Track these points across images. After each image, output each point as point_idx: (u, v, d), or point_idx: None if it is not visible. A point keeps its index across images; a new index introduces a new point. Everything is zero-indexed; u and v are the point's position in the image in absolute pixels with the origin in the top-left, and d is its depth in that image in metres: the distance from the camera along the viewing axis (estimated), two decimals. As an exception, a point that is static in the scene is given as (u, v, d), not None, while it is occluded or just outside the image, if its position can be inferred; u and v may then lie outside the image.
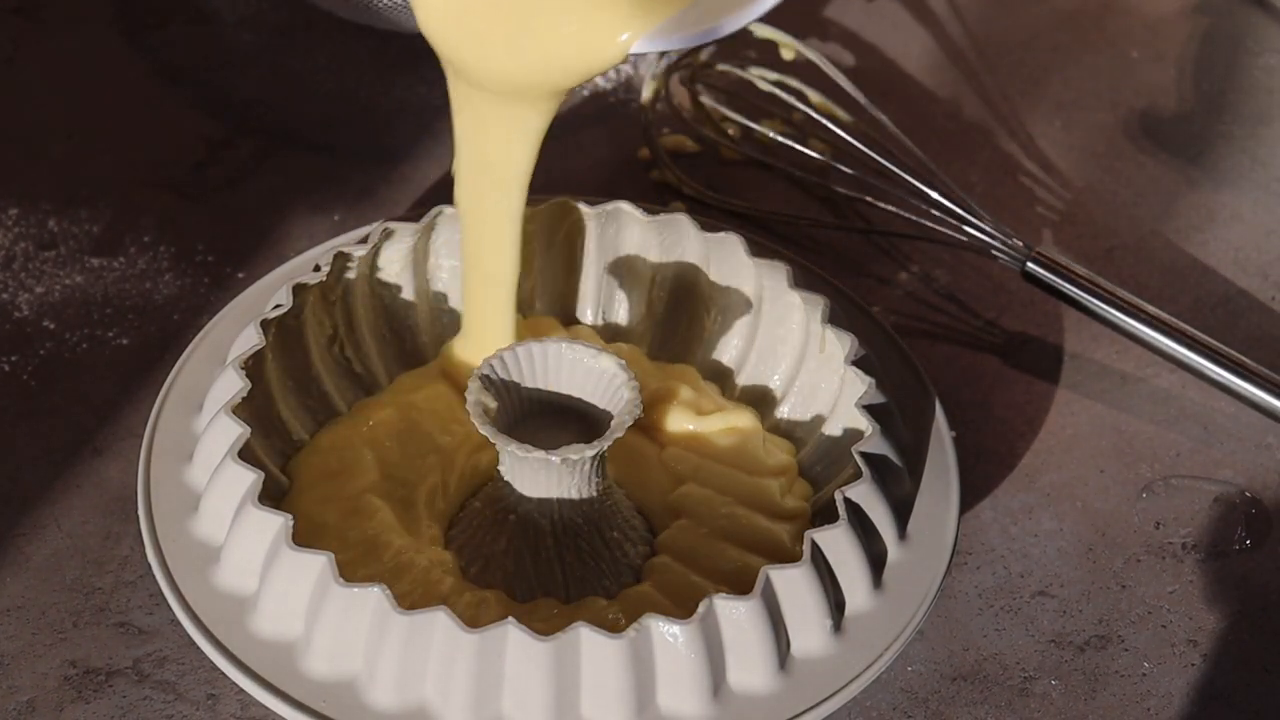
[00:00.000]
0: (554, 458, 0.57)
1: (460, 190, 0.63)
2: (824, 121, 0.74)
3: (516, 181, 0.62)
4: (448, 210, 0.67)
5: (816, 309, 0.65)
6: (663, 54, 0.81)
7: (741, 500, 0.62)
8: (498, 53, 0.59)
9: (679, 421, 0.65)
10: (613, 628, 0.55)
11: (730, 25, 0.57)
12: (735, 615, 0.56)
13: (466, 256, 0.65)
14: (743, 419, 0.65)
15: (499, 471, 0.60)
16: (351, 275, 0.66)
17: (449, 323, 0.69)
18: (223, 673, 0.57)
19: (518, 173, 0.62)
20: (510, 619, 0.54)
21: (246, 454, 0.59)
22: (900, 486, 0.61)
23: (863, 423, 0.61)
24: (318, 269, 0.65)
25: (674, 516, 0.62)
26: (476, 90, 0.61)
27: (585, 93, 0.83)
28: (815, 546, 0.57)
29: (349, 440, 0.64)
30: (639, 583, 0.61)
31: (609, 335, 0.69)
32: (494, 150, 0.62)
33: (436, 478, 0.63)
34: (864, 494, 0.59)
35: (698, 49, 0.80)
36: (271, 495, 0.60)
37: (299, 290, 0.64)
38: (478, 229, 0.64)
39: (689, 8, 0.58)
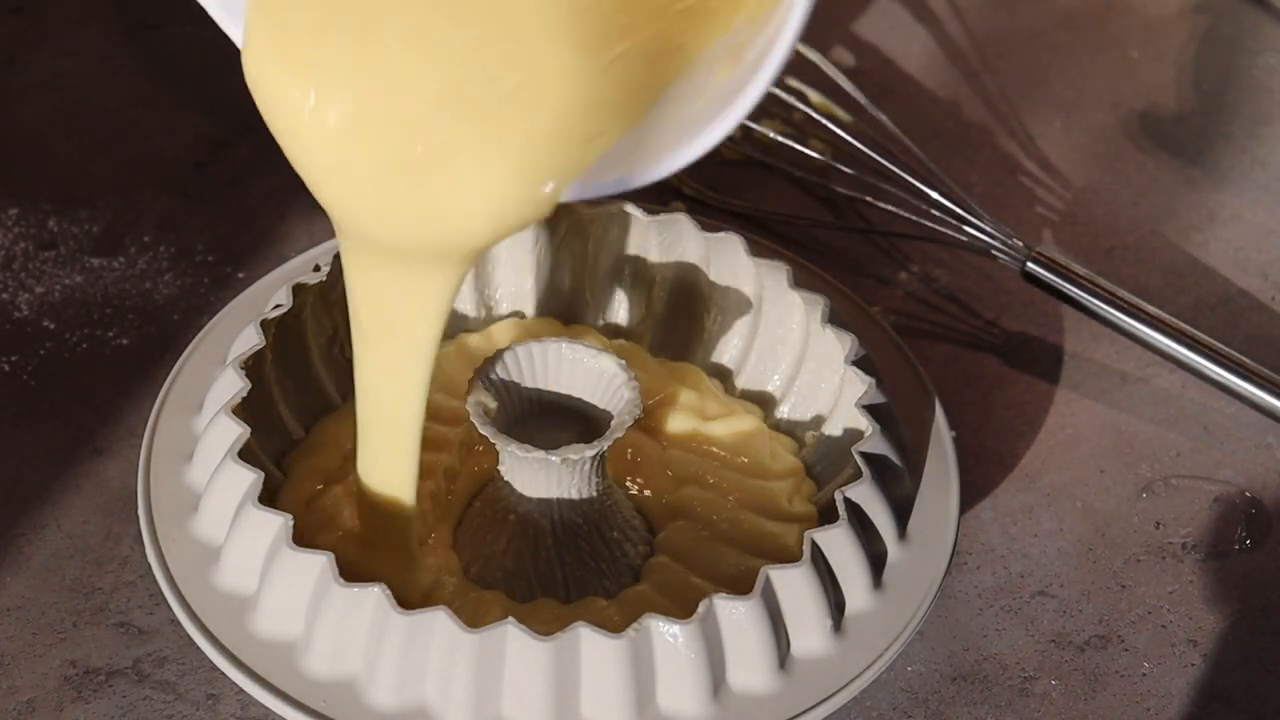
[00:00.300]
0: (554, 458, 0.57)
1: (360, 356, 0.56)
2: (824, 121, 0.75)
3: (428, 347, 0.55)
4: (448, 210, 0.67)
5: (816, 309, 0.65)
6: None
7: (744, 504, 0.62)
8: (406, 214, 0.51)
9: (682, 422, 0.65)
10: (611, 628, 0.55)
11: (659, 171, 0.51)
12: (735, 615, 0.56)
13: (363, 409, 0.58)
14: (748, 421, 0.65)
15: (499, 471, 0.60)
16: (351, 275, 0.66)
17: (449, 323, 0.68)
18: (223, 673, 0.57)
19: (430, 337, 0.55)
20: (510, 619, 0.54)
21: (246, 454, 0.59)
22: (900, 486, 0.61)
23: (863, 423, 0.61)
24: (318, 269, 0.65)
25: (674, 518, 0.62)
26: (380, 256, 0.53)
27: (585, 93, 0.83)
28: (815, 546, 0.57)
29: (346, 437, 0.64)
30: (638, 583, 0.61)
31: (609, 335, 0.69)
32: (403, 317, 0.54)
33: (439, 481, 0.63)
34: (864, 494, 0.59)
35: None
36: (269, 490, 0.60)
37: (299, 290, 0.64)
38: (379, 392, 0.57)
39: (617, 149, 0.51)
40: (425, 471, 0.62)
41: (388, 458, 0.58)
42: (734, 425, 0.65)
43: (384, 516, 0.58)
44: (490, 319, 0.69)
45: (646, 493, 0.63)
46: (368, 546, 0.59)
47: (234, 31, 0.55)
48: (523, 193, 0.50)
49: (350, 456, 0.63)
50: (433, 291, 0.54)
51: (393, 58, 0.50)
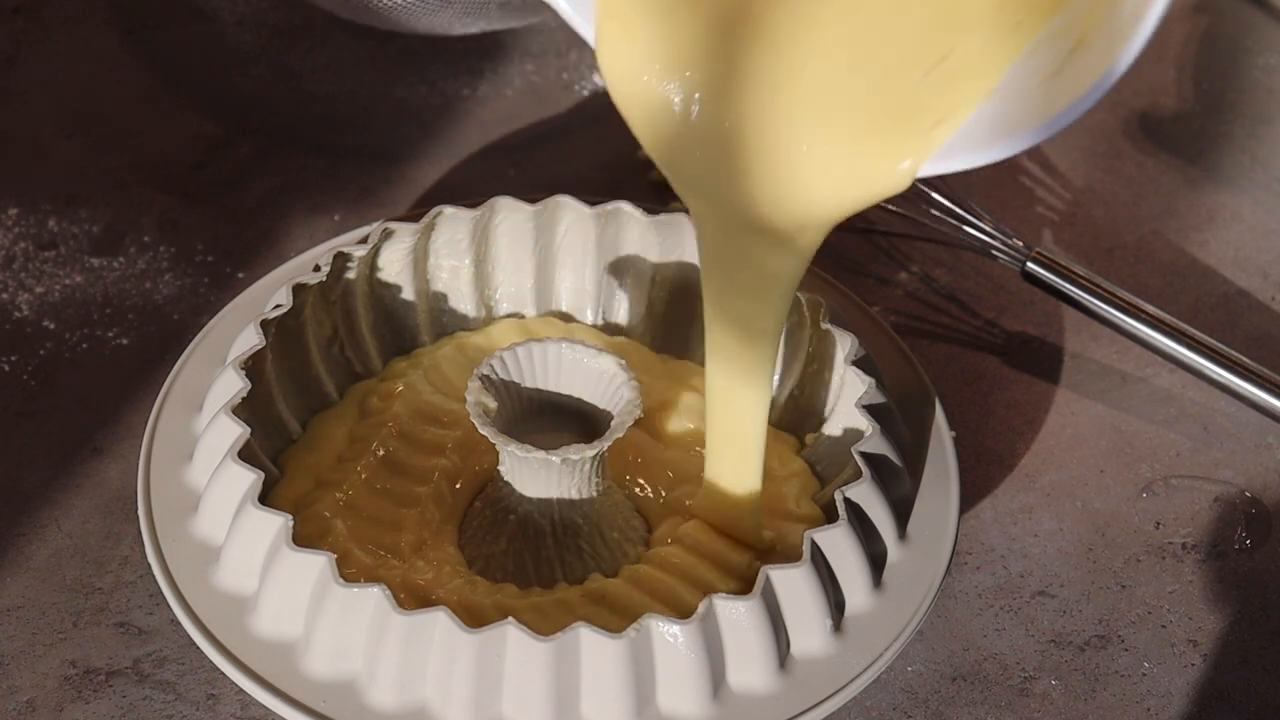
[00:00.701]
0: (554, 458, 0.57)
1: (714, 320, 0.59)
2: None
3: (785, 302, 0.58)
4: (447, 210, 0.67)
5: (817, 309, 0.65)
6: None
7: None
8: (772, 193, 0.54)
9: (683, 422, 0.65)
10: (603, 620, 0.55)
11: (1031, 138, 0.52)
12: (735, 615, 0.56)
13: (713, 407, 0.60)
14: None
15: (499, 471, 0.60)
16: (351, 275, 0.66)
17: (449, 322, 0.69)
18: (223, 673, 0.57)
19: (787, 295, 0.57)
20: (510, 619, 0.54)
21: (246, 454, 0.59)
22: (900, 486, 0.61)
23: (863, 423, 0.61)
24: (318, 269, 0.65)
25: (673, 515, 0.62)
26: (733, 230, 0.56)
27: (585, 93, 0.83)
28: (815, 546, 0.57)
29: (345, 434, 0.64)
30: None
31: (609, 334, 0.69)
32: (760, 282, 0.57)
33: (442, 480, 0.63)
34: (864, 494, 0.59)
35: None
36: (266, 488, 0.60)
37: (299, 290, 0.64)
38: (729, 383, 0.59)
39: (975, 120, 0.53)
40: (423, 476, 0.63)
41: (748, 388, 0.59)
42: None
43: (737, 454, 0.60)
44: (490, 319, 0.69)
45: (647, 493, 0.63)
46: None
47: (585, 30, 0.57)
48: (885, 169, 0.53)
49: (344, 458, 0.63)
50: (789, 260, 0.56)
51: (762, 50, 0.54)
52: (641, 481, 0.64)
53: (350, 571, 0.58)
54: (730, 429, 0.60)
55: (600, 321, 0.69)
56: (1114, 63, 0.49)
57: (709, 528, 0.61)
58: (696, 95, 0.54)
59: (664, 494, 0.63)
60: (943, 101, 0.52)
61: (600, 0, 0.56)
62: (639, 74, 0.55)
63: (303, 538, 0.58)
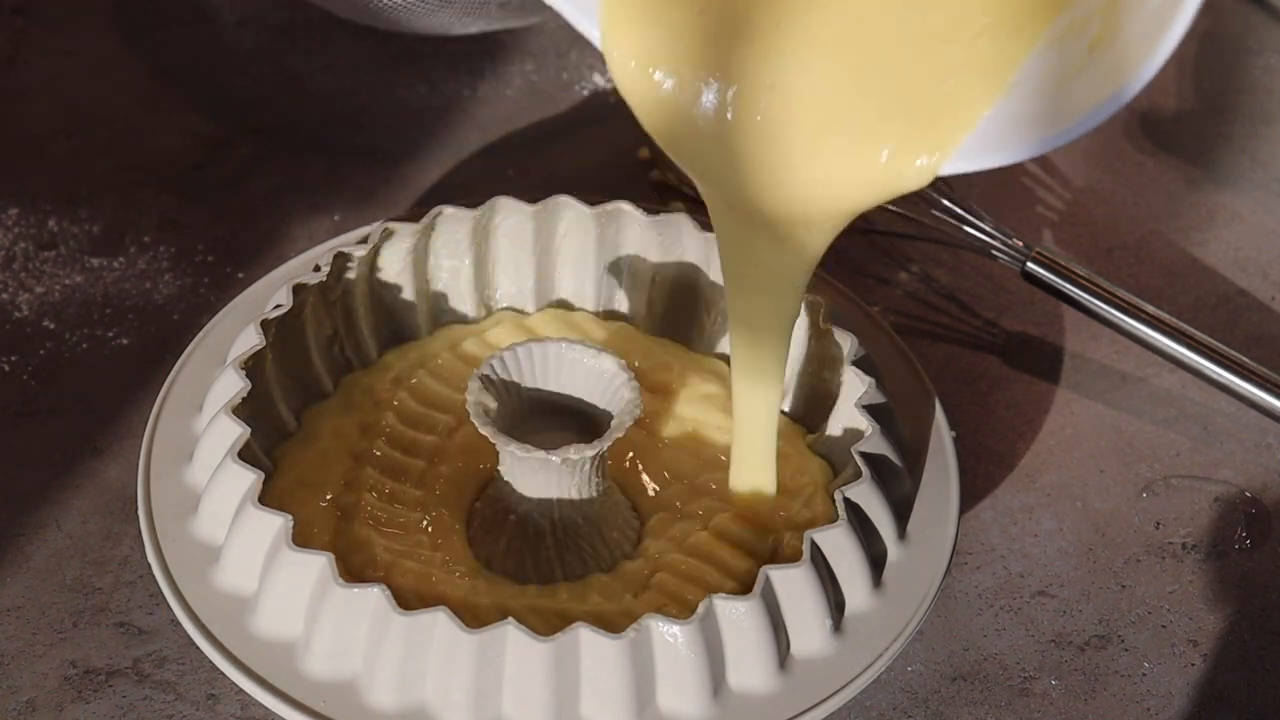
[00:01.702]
0: (554, 458, 0.57)
1: (734, 301, 0.60)
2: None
3: (800, 288, 0.59)
4: (448, 210, 0.67)
5: (816, 309, 0.65)
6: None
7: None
8: (788, 188, 0.55)
9: (681, 415, 0.65)
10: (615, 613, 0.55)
11: (1052, 140, 0.52)
12: (735, 615, 0.56)
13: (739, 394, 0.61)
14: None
15: (499, 471, 0.60)
16: (351, 275, 0.66)
17: (449, 323, 0.69)
18: (223, 673, 0.57)
19: (802, 280, 0.59)
20: (510, 620, 0.54)
21: (246, 454, 0.59)
22: (900, 486, 0.61)
23: (863, 423, 0.61)
24: (318, 269, 0.65)
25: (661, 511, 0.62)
26: (747, 223, 0.57)
27: (585, 93, 0.83)
28: (815, 546, 0.57)
29: (342, 429, 0.64)
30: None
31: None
32: (775, 273, 0.58)
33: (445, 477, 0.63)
34: (864, 494, 0.59)
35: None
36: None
37: (299, 290, 0.64)
38: (753, 365, 0.60)
39: (994, 120, 0.53)
40: (425, 478, 0.63)
41: (756, 384, 0.60)
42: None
43: (749, 446, 0.61)
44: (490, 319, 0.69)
45: (641, 488, 0.63)
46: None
47: (589, 30, 0.57)
48: (902, 167, 0.53)
49: (341, 457, 0.63)
50: (806, 249, 0.57)
51: (777, 46, 0.54)
52: (644, 477, 0.64)
53: (405, 583, 0.59)
54: (747, 416, 0.61)
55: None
56: (1138, 68, 0.49)
57: (714, 537, 0.61)
58: (712, 92, 0.55)
59: (657, 489, 0.63)
60: (959, 99, 0.52)
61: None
62: (648, 71, 0.55)
63: (343, 548, 0.59)
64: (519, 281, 0.69)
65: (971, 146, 0.53)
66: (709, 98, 0.55)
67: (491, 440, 0.57)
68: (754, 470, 0.61)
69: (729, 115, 0.54)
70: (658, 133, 0.56)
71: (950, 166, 0.53)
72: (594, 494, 0.60)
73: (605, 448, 0.58)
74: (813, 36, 0.54)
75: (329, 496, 0.61)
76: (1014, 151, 0.52)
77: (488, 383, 0.59)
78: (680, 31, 0.55)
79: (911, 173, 0.53)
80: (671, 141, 0.56)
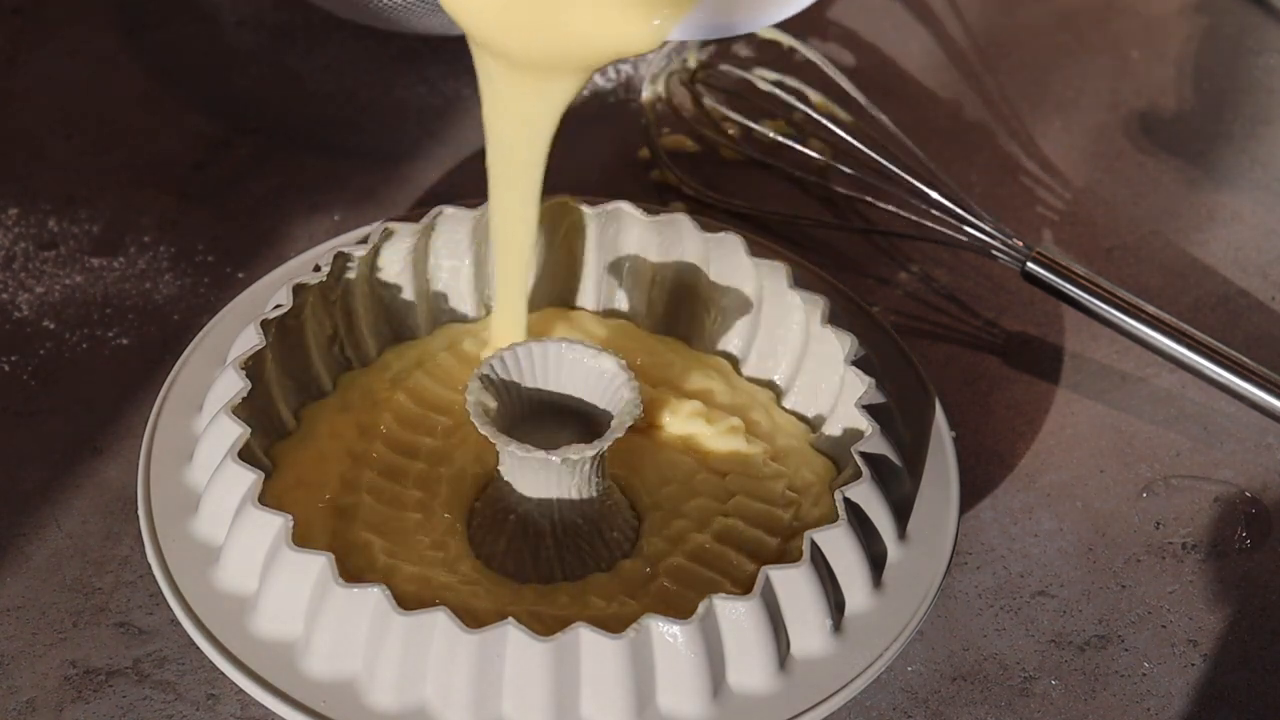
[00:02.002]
0: (554, 458, 0.57)
1: (490, 166, 0.64)
2: (824, 121, 0.74)
3: (537, 157, 0.62)
4: (448, 210, 0.67)
5: (816, 309, 0.65)
6: (668, 51, 0.81)
7: (737, 512, 0.62)
8: (529, 31, 0.59)
9: (680, 415, 0.65)
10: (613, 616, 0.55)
11: (758, 21, 0.57)
12: (735, 615, 0.56)
13: (495, 239, 0.65)
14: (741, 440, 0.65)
15: (499, 471, 0.60)
16: (351, 275, 0.66)
17: (448, 322, 0.69)
18: (223, 673, 0.57)
19: (537, 147, 0.62)
20: (510, 619, 0.54)
21: (246, 454, 0.59)
22: (900, 486, 0.61)
23: (863, 423, 0.61)
24: (318, 269, 0.65)
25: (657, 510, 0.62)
26: (503, 64, 0.60)
27: (586, 93, 0.83)
28: (815, 546, 0.57)
29: (342, 429, 0.64)
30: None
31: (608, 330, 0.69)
32: (513, 126, 0.62)
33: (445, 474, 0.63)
34: (864, 494, 0.59)
35: (709, 44, 0.80)
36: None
37: (299, 290, 0.64)
38: (500, 207, 0.64)
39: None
40: (426, 479, 0.63)
41: (512, 218, 0.64)
42: (733, 443, 0.64)
43: (504, 271, 0.64)
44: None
45: (637, 487, 0.63)
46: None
47: None
48: (633, 24, 0.57)
49: (343, 458, 0.63)
50: (552, 92, 0.61)
51: None
52: (643, 476, 0.63)
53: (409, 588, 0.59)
54: (506, 241, 0.64)
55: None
56: None
57: (717, 541, 0.61)
58: None
59: (656, 488, 0.63)
60: None
61: None
62: None
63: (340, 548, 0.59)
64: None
65: (701, 13, 0.58)
66: None
67: (491, 440, 0.57)
68: (509, 318, 0.65)
69: None
70: None
71: (679, 32, 0.57)
72: (594, 494, 0.60)
73: (605, 448, 0.58)
74: None
75: (327, 496, 0.61)
76: (740, 21, 0.58)
77: (488, 383, 0.59)
78: None
79: (649, 32, 0.57)
80: None
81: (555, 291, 0.69)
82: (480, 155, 0.71)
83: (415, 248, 0.67)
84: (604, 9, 0.57)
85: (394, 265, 0.67)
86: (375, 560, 0.59)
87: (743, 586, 0.59)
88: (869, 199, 0.74)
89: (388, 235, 0.66)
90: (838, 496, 0.59)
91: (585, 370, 0.60)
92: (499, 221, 0.64)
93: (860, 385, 0.62)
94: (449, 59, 0.83)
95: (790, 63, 0.81)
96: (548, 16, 0.58)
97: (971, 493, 0.65)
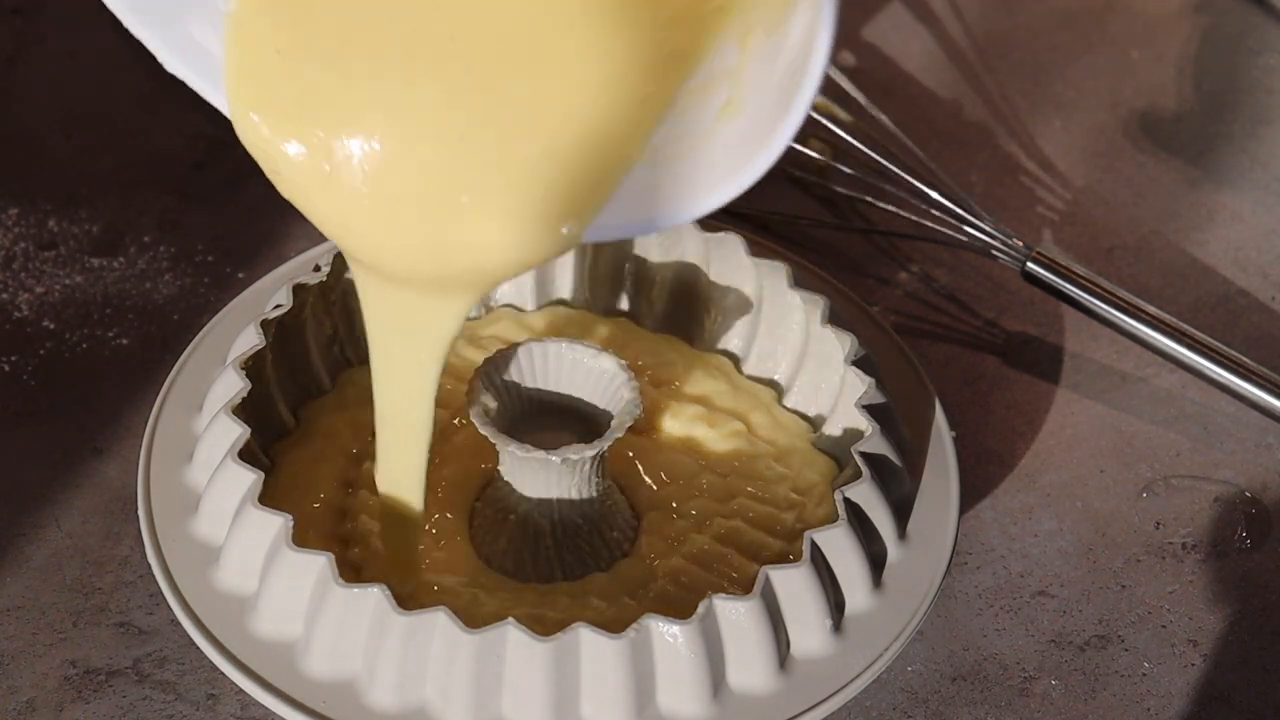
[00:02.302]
0: (554, 458, 0.57)
1: (376, 367, 0.57)
2: (824, 121, 0.74)
3: (436, 365, 0.55)
4: (448, 210, 0.67)
5: (816, 309, 0.65)
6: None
7: (738, 513, 0.62)
8: (420, 252, 0.52)
9: (680, 415, 0.65)
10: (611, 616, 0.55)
11: (678, 218, 0.52)
12: (735, 615, 0.56)
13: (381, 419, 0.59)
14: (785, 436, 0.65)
15: (499, 471, 0.60)
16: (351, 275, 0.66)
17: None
18: (223, 673, 0.57)
19: (438, 357, 0.55)
20: (510, 619, 0.54)
21: (246, 454, 0.59)
22: (900, 486, 0.61)
23: (863, 423, 0.61)
24: (318, 269, 0.65)
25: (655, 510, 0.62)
26: (391, 286, 0.54)
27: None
28: (815, 546, 0.57)
29: (342, 426, 0.64)
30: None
31: (608, 332, 0.69)
32: (414, 337, 0.55)
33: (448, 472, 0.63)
34: (864, 494, 0.59)
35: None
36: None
37: (299, 290, 0.64)
38: (392, 402, 0.58)
39: (632, 186, 0.52)
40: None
41: (399, 458, 0.58)
42: (735, 443, 0.64)
43: (393, 515, 0.59)
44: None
45: (638, 486, 0.63)
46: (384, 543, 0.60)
47: (216, 99, 0.54)
48: (538, 234, 0.51)
49: (341, 456, 0.63)
50: (442, 316, 0.55)
51: (399, 100, 0.51)
52: (642, 476, 0.63)
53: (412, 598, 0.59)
54: (395, 463, 0.58)
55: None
56: (774, 134, 0.48)
57: (717, 542, 0.61)
58: (349, 155, 0.51)
59: (655, 488, 0.63)
60: (592, 173, 0.51)
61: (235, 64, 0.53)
62: (281, 137, 0.52)
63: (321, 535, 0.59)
64: (519, 282, 0.69)
65: (611, 214, 0.52)
66: (344, 166, 0.51)
67: (492, 440, 0.57)
68: (404, 500, 0.59)
69: (361, 183, 0.51)
70: (296, 201, 0.53)
71: (592, 235, 0.52)
72: (594, 494, 0.60)
73: (605, 448, 0.58)
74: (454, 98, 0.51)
75: (324, 496, 0.61)
76: (653, 221, 0.52)
77: (488, 382, 0.59)
78: (309, 86, 0.51)
79: (561, 240, 0.51)
80: (308, 208, 0.53)
81: (554, 292, 0.69)
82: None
83: (415, 248, 0.67)
84: (505, 223, 0.51)
85: (394, 265, 0.67)
86: (375, 560, 0.59)
87: (743, 588, 0.59)
88: (869, 199, 0.74)
89: (388, 235, 0.66)
90: (837, 496, 0.59)
91: (585, 370, 0.60)
92: (384, 408, 0.58)
93: (860, 385, 0.62)
94: (449, 59, 0.83)
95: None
96: (441, 233, 0.51)
97: (971, 493, 0.65)
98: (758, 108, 0.50)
